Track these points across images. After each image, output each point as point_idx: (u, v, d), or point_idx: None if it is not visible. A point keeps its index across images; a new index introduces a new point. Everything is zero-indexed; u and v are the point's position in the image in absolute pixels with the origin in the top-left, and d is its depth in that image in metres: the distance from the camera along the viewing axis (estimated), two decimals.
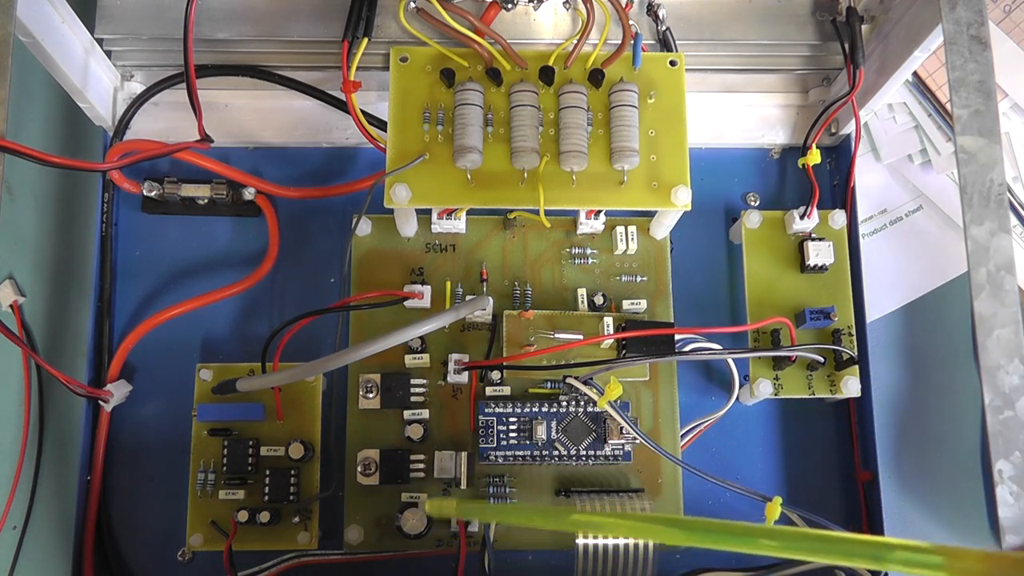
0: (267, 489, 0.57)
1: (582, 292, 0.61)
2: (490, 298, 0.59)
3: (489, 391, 0.59)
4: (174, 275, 0.64)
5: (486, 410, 0.57)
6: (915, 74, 0.70)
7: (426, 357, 0.59)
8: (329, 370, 0.52)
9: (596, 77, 0.55)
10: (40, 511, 0.60)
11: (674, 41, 0.60)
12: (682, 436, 0.60)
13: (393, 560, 0.58)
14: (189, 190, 0.63)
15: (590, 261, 0.62)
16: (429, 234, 0.62)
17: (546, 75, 0.55)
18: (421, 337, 0.58)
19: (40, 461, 0.61)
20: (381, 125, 0.60)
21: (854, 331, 0.61)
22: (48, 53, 0.53)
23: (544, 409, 0.57)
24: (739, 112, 0.67)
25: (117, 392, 0.59)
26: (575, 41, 0.56)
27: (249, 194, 0.63)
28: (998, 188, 0.47)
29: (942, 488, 0.64)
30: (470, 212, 0.60)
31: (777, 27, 0.61)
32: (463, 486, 0.57)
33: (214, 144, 0.59)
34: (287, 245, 0.64)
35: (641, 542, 0.54)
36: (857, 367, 0.60)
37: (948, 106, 0.68)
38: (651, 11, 0.59)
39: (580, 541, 0.54)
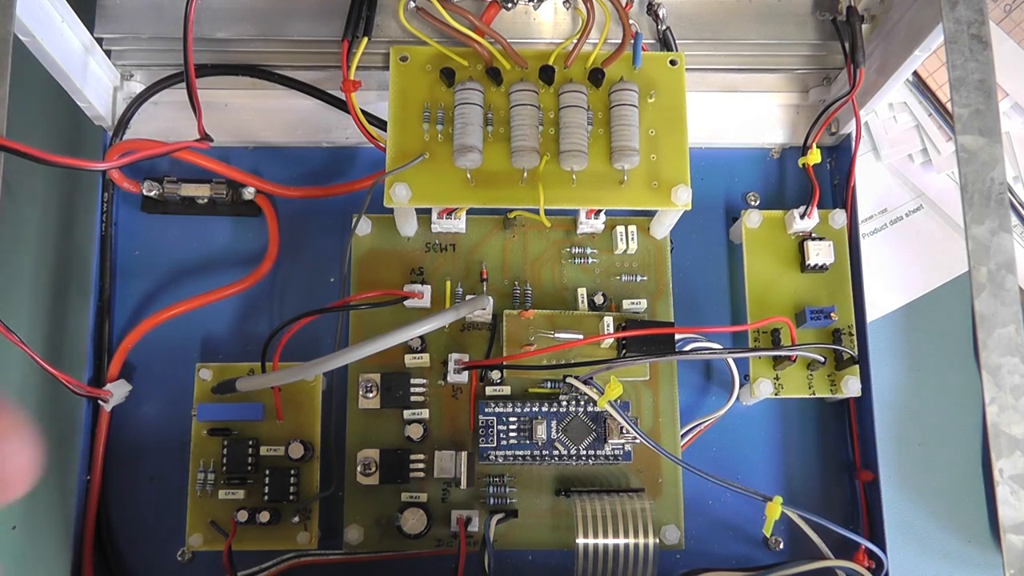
0: (267, 489, 0.56)
1: (582, 292, 0.60)
2: (490, 298, 0.59)
3: (489, 391, 0.59)
4: (174, 275, 0.64)
5: (486, 410, 0.57)
6: (915, 73, 0.70)
7: (426, 357, 0.59)
8: (329, 370, 0.52)
9: (596, 76, 0.55)
10: (40, 511, 0.60)
11: (674, 40, 0.60)
12: (682, 436, 0.60)
13: (393, 560, 0.58)
14: (189, 190, 0.62)
15: (590, 261, 0.62)
16: (429, 234, 0.62)
17: (546, 74, 0.55)
18: (421, 337, 0.58)
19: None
20: (381, 125, 0.60)
21: (854, 331, 0.61)
22: (48, 52, 0.53)
23: (544, 409, 0.57)
24: (739, 112, 0.67)
25: (117, 392, 0.59)
26: (575, 40, 0.56)
27: (249, 194, 0.63)
28: (999, 187, 0.47)
29: (942, 488, 0.64)
30: (470, 212, 0.60)
31: (777, 26, 0.61)
32: (463, 486, 0.57)
33: (214, 144, 0.59)
34: (287, 245, 0.64)
35: (641, 541, 0.54)
36: (857, 367, 0.59)
37: (948, 105, 0.68)
38: (651, 10, 0.59)
39: (580, 541, 0.54)
